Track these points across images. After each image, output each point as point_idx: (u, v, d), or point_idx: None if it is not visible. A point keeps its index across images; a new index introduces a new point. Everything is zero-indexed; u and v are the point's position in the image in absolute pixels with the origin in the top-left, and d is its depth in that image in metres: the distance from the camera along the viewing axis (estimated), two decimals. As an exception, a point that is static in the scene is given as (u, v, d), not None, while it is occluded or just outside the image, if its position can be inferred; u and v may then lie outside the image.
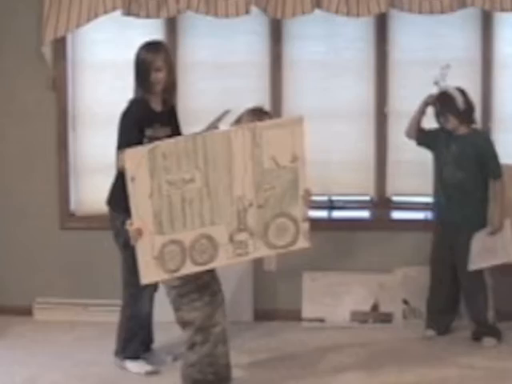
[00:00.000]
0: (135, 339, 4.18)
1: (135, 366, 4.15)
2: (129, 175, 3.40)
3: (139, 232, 3.41)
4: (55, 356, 4.46)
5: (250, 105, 3.86)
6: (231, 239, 3.50)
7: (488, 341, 4.63)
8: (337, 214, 5.23)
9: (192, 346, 3.66)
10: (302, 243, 3.65)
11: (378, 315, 5.05)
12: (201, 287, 3.64)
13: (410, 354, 4.49)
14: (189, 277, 3.56)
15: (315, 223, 5.10)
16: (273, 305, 5.13)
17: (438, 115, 4.66)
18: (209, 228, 3.48)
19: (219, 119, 4.08)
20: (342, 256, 5.10)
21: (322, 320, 5.06)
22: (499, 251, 4.57)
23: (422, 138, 4.79)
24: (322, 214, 5.23)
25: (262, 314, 5.11)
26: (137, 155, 3.42)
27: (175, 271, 3.48)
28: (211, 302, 3.66)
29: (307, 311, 5.08)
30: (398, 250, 5.05)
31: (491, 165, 4.58)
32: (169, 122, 4.20)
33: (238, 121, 3.73)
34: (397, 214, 5.18)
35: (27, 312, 5.16)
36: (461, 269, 4.64)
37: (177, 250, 3.46)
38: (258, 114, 3.73)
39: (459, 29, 5.08)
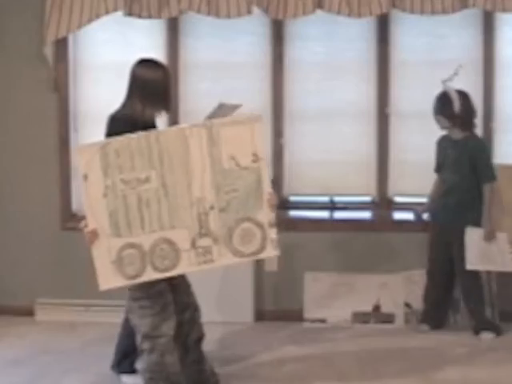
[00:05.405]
0: (132, 354, 4.10)
1: (131, 380, 4.10)
2: (81, 173, 3.31)
3: (95, 234, 3.34)
4: (56, 356, 4.45)
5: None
6: (193, 245, 3.39)
7: (485, 335, 4.71)
8: (338, 214, 5.23)
9: (141, 352, 3.63)
10: (270, 251, 3.46)
11: (379, 316, 5.04)
12: (153, 295, 3.55)
13: (412, 355, 4.48)
14: (142, 283, 3.48)
15: (317, 224, 5.17)
16: (274, 305, 5.13)
17: (436, 114, 4.72)
18: (169, 232, 3.37)
19: (216, 114, 4.00)
20: (343, 256, 5.10)
21: (323, 320, 5.05)
22: (498, 259, 4.68)
23: (438, 169, 4.87)
24: (323, 214, 5.23)
25: (263, 315, 5.11)
26: (89, 152, 3.32)
27: (135, 277, 3.39)
28: (161, 312, 3.56)
29: (309, 312, 5.07)
30: (399, 250, 5.05)
31: (482, 169, 4.65)
32: None
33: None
34: (398, 215, 5.18)
35: (28, 312, 5.16)
36: (457, 266, 4.74)
37: (136, 255, 3.37)
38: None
39: (461, 29, 5.09)
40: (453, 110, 4.63)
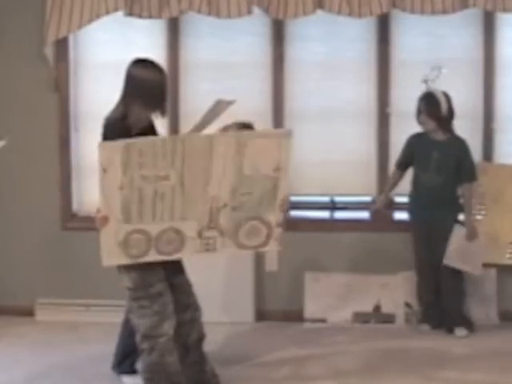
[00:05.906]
0: (133, 355, 4.09)
1: (131, 380, 4.09)
2: (101, 166, 3.35)
3: (106, 220, 3.39)
4: (57, 356, 4.45)
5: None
6: (200, 235, 3.49)
7: (459, 330, 4.72)
8: (339, 214, 5.24)
9: (141, 352, 3.64)
10: (273, 246, 3.64)
11: (380, 316, 5.04)
12: (152, 295, 3.56)
13: (412, 355, 4.48)
14: (142, 283, 3.53)
15: (317, 224, 5.17)
16: (274, 305, 5.13)
17: (419, 115, 4.72)
18: (178, 222, 3.45)
19: (213, 111, 3.99)
20: (344, 257, 5.10)
21: (323, 320, 5.05)
22: (469, 260, 4.70)
23: (403, 166, 4.89)
24: (323, 214, 5.23)
25: (264, 315, 5.11)
26: (111, 148, 3.36)
27: (138, 257, 3.45)
28: (160, 312, 3.57)
29: (309, 312, 5.07)
30: (399, 250, 5.04)
31: (466, 169, 4.68)
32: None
33: (224, 130, 3.66)
34: (399, 215, 5.17)
35: (29, 312, 5.16)
36: (438, 263, 4.74)
37: (142, 239, 3.44)
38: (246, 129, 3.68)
39: (461, 29, 5.09)
40: (440, 111, 4.64)
